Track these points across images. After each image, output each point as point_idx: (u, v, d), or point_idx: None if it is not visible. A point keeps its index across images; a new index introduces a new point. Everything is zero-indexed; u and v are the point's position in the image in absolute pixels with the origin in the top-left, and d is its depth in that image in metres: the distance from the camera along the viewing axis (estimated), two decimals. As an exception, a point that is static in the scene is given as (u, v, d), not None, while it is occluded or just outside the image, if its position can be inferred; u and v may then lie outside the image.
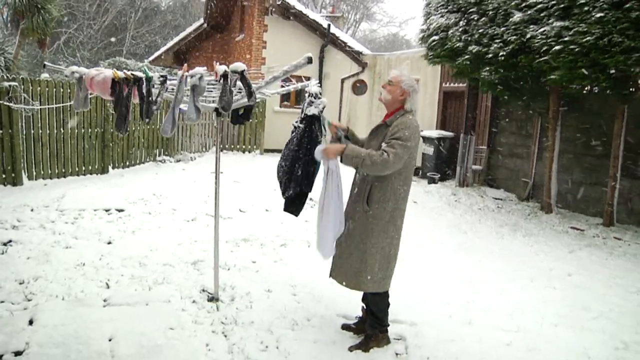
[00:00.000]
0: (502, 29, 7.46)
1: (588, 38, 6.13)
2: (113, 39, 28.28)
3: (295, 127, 3.95)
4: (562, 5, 6.54)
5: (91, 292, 4.34)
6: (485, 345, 3.84)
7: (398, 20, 44.45)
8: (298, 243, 6.12)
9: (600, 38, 6.05)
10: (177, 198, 7.89)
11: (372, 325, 3.65)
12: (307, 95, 4.02)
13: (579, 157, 8.68)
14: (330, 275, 3.72)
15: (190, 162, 11.87)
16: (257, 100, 4.48)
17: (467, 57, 8.15)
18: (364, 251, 3.44)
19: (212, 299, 4.32)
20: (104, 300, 4.17)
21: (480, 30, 7.87)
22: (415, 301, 4.47)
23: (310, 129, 3.86)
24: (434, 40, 8.85)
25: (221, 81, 3.67)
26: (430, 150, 11.51)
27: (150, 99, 3.61)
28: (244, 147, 13.89)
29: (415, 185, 10.61)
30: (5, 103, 7.70)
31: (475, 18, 8.02)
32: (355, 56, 15.01)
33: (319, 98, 3.97)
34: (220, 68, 3.65)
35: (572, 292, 5.07)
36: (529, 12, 7.01)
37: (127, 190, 8.11)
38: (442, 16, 8.79)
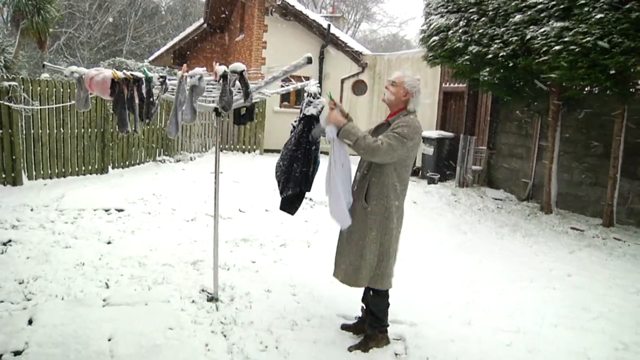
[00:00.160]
0: (502, 29, 7.46)
1: (588, 38, 6.13)
2: (114, 38, 28.27)
3: (294, 127, 3.94)
4: (562, 6, 6.55)
5: (90, 292, 4.33)
6: (485, 345, 3.84)
7: (398, 20, 44.44)
8: (298, 243, 6.12)
9: (601, 38, 6.05)
10: (177, 198, 7.89)
11: (372, 325, 3.65)
12: (306, 95, 4.02)
13: (579, 157, 8.67)
14: (334, 274, 3.70)
15: (190, 162, 11.87)
16: (256, 101, 4.48)
17: (467, 57, 8.15)
18: (362, 247, 3.46)
19: (212, 299, 4.31)
20: (104, 300, 4.17)
21: (480, 31, 7.87)
22: (415, 301, 4.47)
23: (308, 129, 3.86)
24: (434, 41, 8.85)
25: (221, 81, 3.66)
26: (430, 150, 11.51)
27: (150, 99, 3.61)
28: (243, 147, 13.90)
29: (415, 186, 10.61)
30: (5, 103, 7.70)
31: (475, 18, 8.02)
32: (355, 56, 15.00)
33: (318, 98, 3.97)
34: (220, 68, 3.65)
35: (572, 292, 5.07)
36: (529, 12, 7.01)
37: (127, 190, 8.11)
38: (442, 16, 8.79)
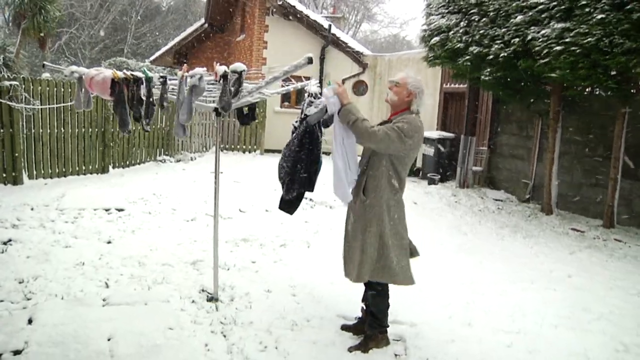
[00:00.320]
0: (503, 30, 7.46)
1: (589, 39, 6.13)
2: (115, 38, 28.29)
3: (295, 128, 3.93)
4: (563, 7, 6.54)
5: (90, 292, 4.33)
6: (485, 346, 3.83)
7: (399, 21, 44.53)
8: (298, 243, 6.12)
9: (602, 39, 6.05)
10: (177, 198, 7.89)
11: (372, 325, 3.65)
12: (306, 95, 4.01)
13: (580, 158, 8.67)
14: (345, 275, 3.66)
15: (191, 162, 11.87)
16: (257, 100, 4.47)
17: (467, 58, 8.15)
18: (363, 241, 3.46)
19: (212, 299, 4.31)
20: (103, 300, 4.16)
21: (481, 31, 7.87)
22: (415, 302, 4.46)
23: (311, 129, 3.85)
24: (434, 41, 8.85)
25: (221, 81, 3.66)
26: (430, 151, 11.50)
27: (150, 99, 3.61)
28: (244, 147, 13.90)
29: (416, 186, 10.60)
30: (6, 102, 7.70)
31: (476, 19, 8.02)
32: (356, 57, 15.00)
33: (319, 98, 3.96)
34: (220, 68, 3.65)
35: (573, 293, 5.06)
36: (530, 13, 7.01)
37: (127, 189, 8.11)
38: (442, 17, 8.79)
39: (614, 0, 6.01)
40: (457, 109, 12.26)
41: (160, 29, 31.52)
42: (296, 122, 3.94)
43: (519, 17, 7.12)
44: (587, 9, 6.22)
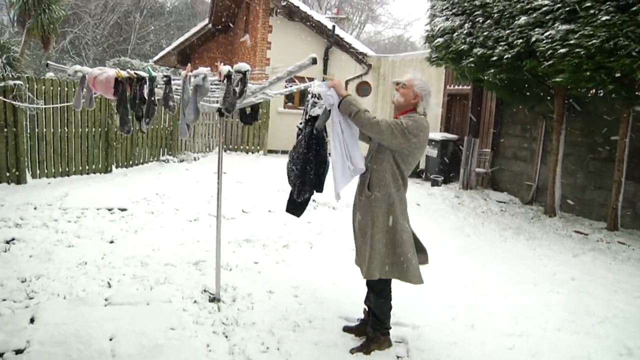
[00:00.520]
0: (507, 31, 7.43)
1: (594, 41, 6.10)
2: (119, 38, 28.35)
3: (300, 130, 3.91)
4: (567, 9, 6.52)
5: (93, 291, 4.33)
6: (487, 349, 3.82)
7: (403, 22, 44.49)
8: (301, 244, 6.11)
9: (606, 41, 6.02)
10: (180, 198, 7.89)
11: (374, 327, 3.64)
12: (310, 96, 3.99)
13: (584, 160, 8.64)
14: (363, 276, 3.61)
15: (194, 162, 11.87)
16: (260, 101, 4.47)
17: (471, 59, 8.13)
18: (372, 237, 3.45)
19: (214, 299, 4.31)
20: (106, 300, 4.16)
21: (485, 33, 7.84)
22: (417, 304, 4.45)
23: (317, 130, 3.84)
24: (438, 42, 8.83)
25: (224, 81, 3.65)
26: (434, 152, 11.49)
27: (152, 99, 3.60)
28: (247, 147, 13.90)
29: (419, 188, 10.59)
30: (10, 101, 7.71)
31: (480, 21, 8.00)
32: (360, 58, 15.00)
33: (322, 99, 3.94)
34: (224, 68, 3.64)
35: (576, 296, 5.04)
36: (534, 15, 6.99)
37: (130, 189, 8.12)
38: (447, 19, 8.77)
39: (619, 2, 5.99)
40: (461, 110, 12.24)
41: (164, 29, 31.58)
42: (300, 123, 3.92)
43: (523, 19, 7.10)
44: (591, 11, 6.20)
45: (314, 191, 3.87)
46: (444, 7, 8.97)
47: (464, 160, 10.89)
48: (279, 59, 13.90)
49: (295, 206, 4.00)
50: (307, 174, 3.79)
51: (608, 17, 6.00)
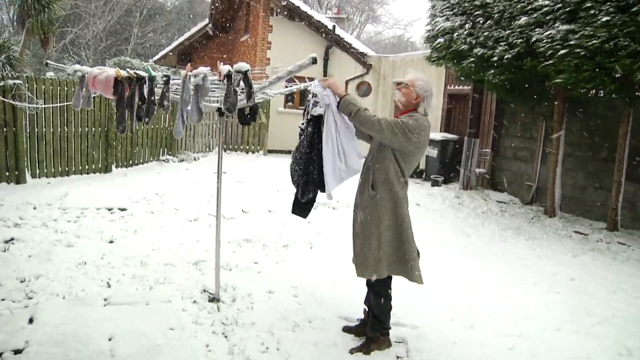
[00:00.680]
0: (508, 31, 7.43)
1: (594, 41, 6.10)
2: (119, 38, 28.33)
3: (302, 130, 3.90)
4: (568, 9, 6.52)
5: (92, 291, 4.33)
6: (487, 349, 3.82)
7: (403, 22, 44.48)
8: (300, 244, 6.10)
9: (607, 42, 6.02)
10: (180, 198, 7.89)
11: (374, 327, 3.63)
12: (310, 95, 3.98)
13: (584, 161, 8.64)
14: (358, 275, 3.61)
15: (194, 162, 11.87)
16: (260, 101, 4.46)
17: (472, 59, 8.13)
18: (379, 235, 3.43)
19: (213, 299, 4.30)
20: (105, 300, 4.16)
21: (486, 33, 7.84)
22: (417, 304, 4.45)
23: (319, 129, 3.83)
24: (438, 43, 8.83)
25: (224, 81, 3.64)
26: (434, 152, 11.48)
27: (152, 98, 3.59)
28: (247, 147, 13.89)
29: (419, 188, 10.58)
30: (9, 101, 7.71)
31: (481, 21, 8.00)
32: (360, 58, 15.00)
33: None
34: (224, 68, 3.63)
35: (576, 296, 5.04)
36: (534, 15, 6.98)
37: (130, 189, 8.11)
38: (447, 19, 8.77)
39: (619, 2, 5.99)
40: (461, 110, 12.24)
41: (164, 29, 31.57)
42: (302, 124, 3.91)
43: (524, 19, 7.10)
44: (592, 11, 6.19)
45: (318, 191, 3.86)
46: (445, 7, 8.96)
47: (464, 160, 10.89)
48: (279, 58, 13.89)
49: (301, 207, 3.98)
50: (311, 174, 3.78)
51: (608, 18, 5.99)
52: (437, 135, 11.62)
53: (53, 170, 8.77)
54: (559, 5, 6.63)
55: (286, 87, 4.77)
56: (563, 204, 8.77)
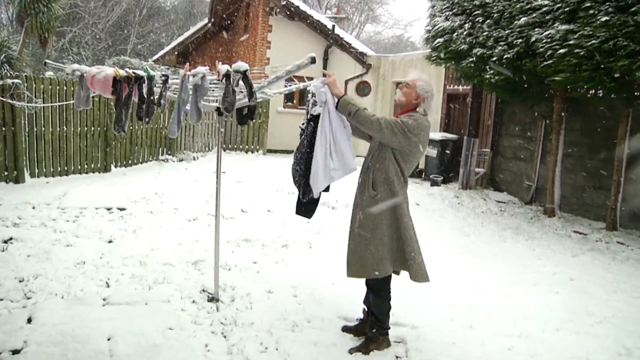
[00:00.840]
0: (507, 31, 7.43)
1: (593, 41, 6.10)
2: (118, 37, 28.31)
3: (303, 130, 3.89)
4: (567, 9, 6.52)
5: (91, 291, 4.32)
6: (486, 349, 3.81)
7: (403, 22, 44.46)
8: (300, 244, 6.10)
9: (606, 41, 6.02)
10: (179, 197, 7.88)
11: (373, 327, 3.63)
12: (310, 95, 3.98)
13: (583, 160, 8.64)
14: (349, 275, 3.60)
15: (193, 161, 11.86)
16: (259, 101, 4.45)
17: (471, 59, 8.13)
18: (381, 235, 3.42)
19: (212, 299, 4.29)
20: (104, 299, 4.15)
21: (485, 33, 7.84)
22: (417, 303, 4.44)
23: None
24: (438, 42, 8.83)
25: (223, 81, 3.63)
26: (433, 152, 11.48)
27: (151, 98, 3.59)
28: (247, 147, 13.88)
29: (418, 188, 10.58)
30: (8, 100, 7.70)
31: (480, 21, 8.00)
32: (360, 57, 14.99)
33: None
34: (223, 67, 3.62)
35: (575, 296, 5.04)
36: (534, 15, 6.98)
37: (129, 189, 8.10)
38: (446, 19, 8.77)
39: (619, 2, 5.99)
40: (460, 110, 12.24)
41: (163, 29, 31.55)
42: (303, 124, 3.91)
43: (523, 19, 7.10)
44: (591, 11, 6.19)
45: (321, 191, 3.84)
46: (444, 7, 8.96)
47: (463, 160, 10.88)
48: (278, 58, 13.88)
49: (304, 208, 3.97)
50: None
51: (607, 18, 6.00)
52: (436, 135, 11.62)
53: (52, 169, 8.75)
54: (559, 5, 6.63)
55: (285, 86, 4.76)
56: (562, 204, 8.77)
